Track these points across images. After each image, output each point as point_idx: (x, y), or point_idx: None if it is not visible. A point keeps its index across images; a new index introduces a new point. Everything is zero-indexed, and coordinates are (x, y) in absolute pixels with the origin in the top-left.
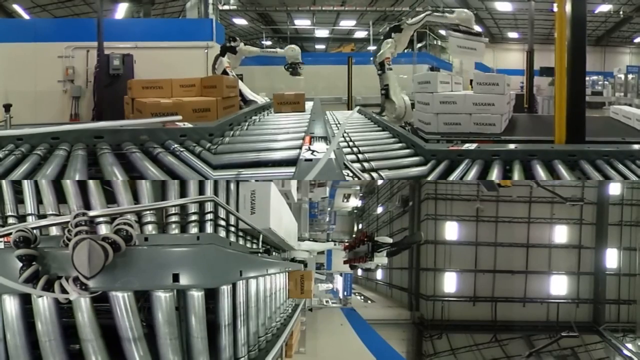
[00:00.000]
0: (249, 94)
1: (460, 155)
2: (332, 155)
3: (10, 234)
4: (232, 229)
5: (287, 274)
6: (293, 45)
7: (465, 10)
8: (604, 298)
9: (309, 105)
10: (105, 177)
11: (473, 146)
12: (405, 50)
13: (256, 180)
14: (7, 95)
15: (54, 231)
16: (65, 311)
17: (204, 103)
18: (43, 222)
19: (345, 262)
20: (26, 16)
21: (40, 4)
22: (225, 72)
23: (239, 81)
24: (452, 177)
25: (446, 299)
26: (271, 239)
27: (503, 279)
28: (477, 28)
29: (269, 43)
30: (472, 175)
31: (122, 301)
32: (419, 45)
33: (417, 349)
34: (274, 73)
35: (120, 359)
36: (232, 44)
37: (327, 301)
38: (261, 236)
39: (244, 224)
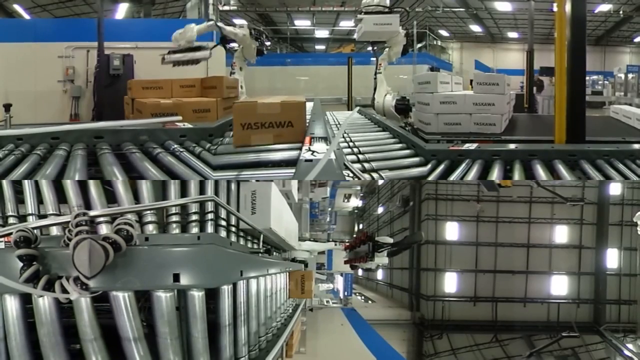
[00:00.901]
0: None
1: (460, 156)
2: (332, 156)
3: (11, 233)
4: (233, 229)
5: (287, 274)
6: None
7: None
8: (605, 298)
9: (308, 107)
10: (105, 177)
11: (473, 146)
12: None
13: (257, 181)
14: (7, 95)
15: (55, 231)
16: (65, 311)
17: (204, 103)
18: (43, 222)
19: (345, 262)
20: (26, 16)
21: (41, 4)
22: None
23: None
24: (453, 177)
25: (447, 299)
26: (272, 239)
27: (503, 279)
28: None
29: (268, 44)
30: (472, 175)
31: (122, 301)
32: (419, 45)
33: (418, 349)
34: (275, 73)
35: (120, 359)
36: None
37: (327, 301)
38: (262, 236)
39: (245, 224)
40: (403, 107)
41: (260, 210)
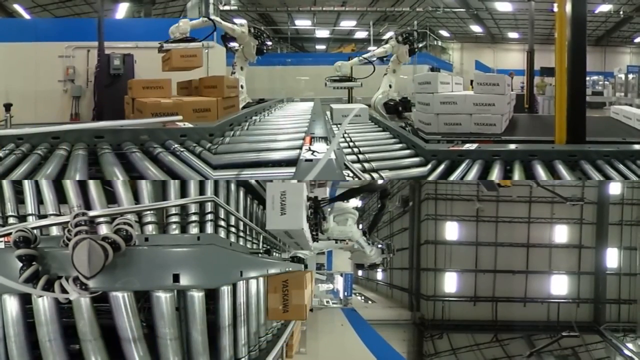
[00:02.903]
0: None
1: (460, 156)
2: (332, 156)
3: (11, 233)
4: (233, 229)
5: None
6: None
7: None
8: (605, 298)
9: (307, 105)
10: (105, 177)
11: (474, 146)
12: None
13: (257, 181)
14: (8, 95)
15: (55, 231)
16: (65, 311)
17: (204, 103)
18: (43, 222)
19: None
20: (27, 16)
21: (41, 4)
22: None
23: None
24: (453, 177)
25: (447, 299)
26: (293, 240)
27: (503, 278)
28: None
29: (269, 43)
30: (472, 175)
31: (122, 301)
32: (420, 45)
33: (418, 349)
34: (275, 73)
35: (120, 359)
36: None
37: (327, 302)
38: (261, 236)
39: (244, 223)
40: (392, 106)
41: (291, 210)
